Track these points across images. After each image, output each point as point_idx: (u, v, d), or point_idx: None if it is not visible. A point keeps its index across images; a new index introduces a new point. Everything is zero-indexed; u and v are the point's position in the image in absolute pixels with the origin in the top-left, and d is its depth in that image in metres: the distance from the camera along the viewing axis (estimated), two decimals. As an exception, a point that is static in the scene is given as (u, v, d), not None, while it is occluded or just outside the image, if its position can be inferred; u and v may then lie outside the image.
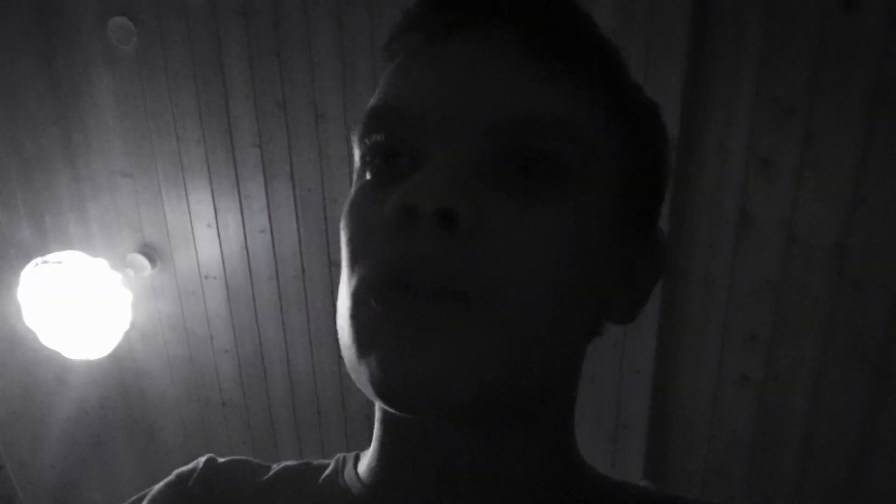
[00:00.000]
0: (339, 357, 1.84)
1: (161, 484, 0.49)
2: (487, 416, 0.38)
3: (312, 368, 1.91)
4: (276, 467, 0.49)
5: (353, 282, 0.36)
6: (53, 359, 1.83)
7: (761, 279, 1.51)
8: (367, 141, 0.38)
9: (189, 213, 1.81)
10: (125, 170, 1.80)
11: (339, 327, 0.39)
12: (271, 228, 1.79)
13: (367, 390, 0.35)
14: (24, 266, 1.63)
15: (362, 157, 0.40)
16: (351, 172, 1.68)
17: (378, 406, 0.42)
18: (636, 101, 0.41)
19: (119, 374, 2.04)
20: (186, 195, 1.79)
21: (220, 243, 1.83)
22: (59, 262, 1.63)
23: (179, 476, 0.49)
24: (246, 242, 1.82)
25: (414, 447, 0.41)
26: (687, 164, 1.48)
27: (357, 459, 0.48)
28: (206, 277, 1.88)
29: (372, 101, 0.39)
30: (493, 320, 0.34)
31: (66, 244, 1.87)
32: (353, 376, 0.37)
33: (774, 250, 1.48)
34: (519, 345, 0.35)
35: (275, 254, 1.81)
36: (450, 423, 0.39)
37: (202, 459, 0.50)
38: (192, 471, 0.49)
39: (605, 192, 0.38)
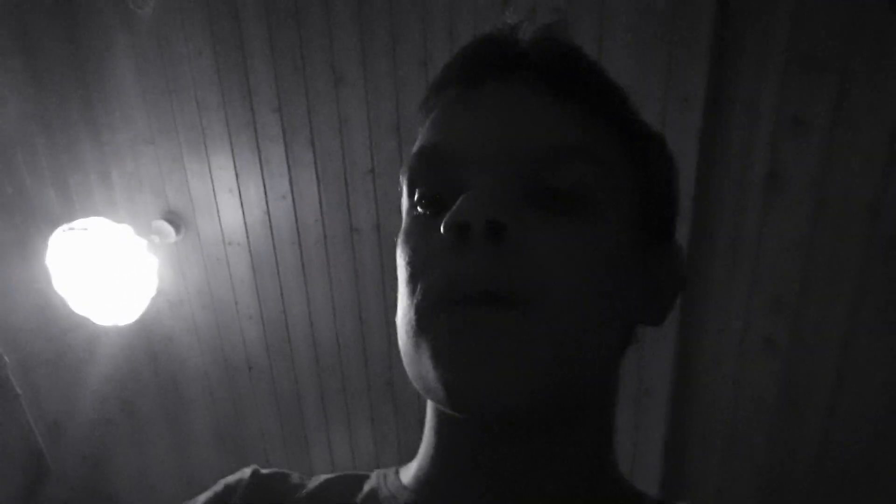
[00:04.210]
0: (362, 322, 1.86)
1: (209, 492, 0.51)
2: (538, 419, 0.41)
3: (335, 333, 1.93)
4: (316, 479, 0.52)
5: (417, 298, 0.40)
6: (84, 325, 1.86)
7: (789, 242, 1.48)
8: (415, 184, 0.44)
9: (211, 178, 1.82)
10: (147, 136, 1.80)
11: (401, 342, 0.42)
12: (293, 194, 1.79)
13: (437, 396, 0.38)
14: (51, 232, 1.65)
15: (410, 196, 0.45)
16: (371, 138, 1.67)
17: (432, 414, 0.46)
18: (644, 134, 0.47)
19: (147, 340, 2.08)
20: (208, 161, 1.80)
21: (242, 209, 1.84)
22: (85, 229, 1.64)
23: (226, 486, 0.51)
24: (268, 208, 1.82)
25: (466, 453, 0.44)
26: (715, 123, 1.45)
27: (397, 472, 0.50)
28: (230, 244, 1.89)
29: (416, 146, 0.44)
30: (542, 322, 0.37)
31: (90, 211, 1.89)
32: (420, 385, 0.40)
33: (804, 213, 1.45)
34: (565, 346, 0.38)
35: (296, 220, 1.82)
36: (502, 430, 0.42)
37: (248, 471, 0.53)
38: (238, 482, 0.51)
39: (624, 210, 0.43)
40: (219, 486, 0.51)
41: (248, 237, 1.87)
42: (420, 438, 0.48)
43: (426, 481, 0.46)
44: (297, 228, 1.83)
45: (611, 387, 0.47)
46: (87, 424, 2.24)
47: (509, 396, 0.36)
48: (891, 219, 1.39)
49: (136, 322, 1.85)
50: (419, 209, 0.43)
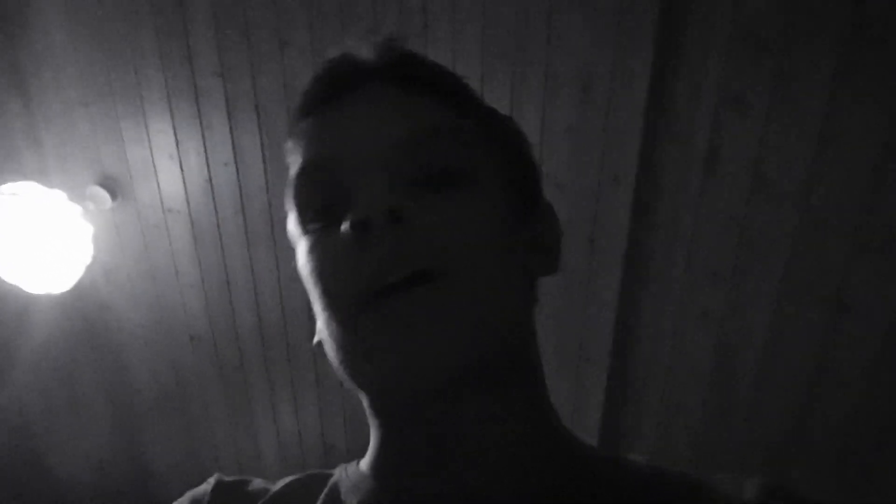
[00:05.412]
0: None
1: None
2: (471, 383, 0.42)
3: (281, 304, 1.91)
4: (281, 482, 0.53)
5: (335, 306, 0.42)
6: (14, 293, 1.79)
7: (727, 217, 1.53)
8: (305, 203, 0.47)
9: (149, 143, 1.75)
10: (81, 98, 1.72)
11: (330, 351, 0.45)
12: (236, 161, 1.74)
13: (375, 390, 0.42)
14: (-24, 198, 1.57)
15: (302, 215, 0.47)
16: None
17: (369, 408, 0.48)
18: (493, 114, 0.52)
19: (83, 309, 2.01)
20: (146, 125, 1.73)
21: (182, 176, 1.78)
22: (14, 194, 1.57)
23: (192, 499, 0.52)
24: (210, 175, 1.77)
25: (408, 430, 0.45)
26: (659, 100, 1.47)
27: (358, 463, 0.51)
28: (170, 211, 1.83)
29: (295, 168, 0.47)
30: (456, 291, 0.40)
31: (20, 175, 1.80)
32: (356, 383, 0.43)
33: (741, 189, 1.50)
34: (482, 308, 0.41)
35: (240, 187, 1.78)
36: (440, 401, 0.43)
37: (212, 480, 0.53)
38: (204, 493, 0.52)
39: (496, 179, 0.47)
40: (185, 498, 0.52)
41: (188, 204, 1.82)
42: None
43: (384, 465, 0.48)
44: (241, 196, 1.79)
45: (530, 341, 0.49)
46: (20, 396, 2.17)
47: (442, 368, 0.38)
48: (823, 197, 1.45)
49: (71, 291, 1.79)
50: (313, 224, 0.46)
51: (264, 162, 1.73)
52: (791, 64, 1.38)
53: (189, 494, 0.52)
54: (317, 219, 0.46)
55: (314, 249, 0.45)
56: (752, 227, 1.53)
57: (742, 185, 1.50)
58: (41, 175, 1.81)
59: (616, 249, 1.61)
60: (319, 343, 0.48)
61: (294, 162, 0.48)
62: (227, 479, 0.54)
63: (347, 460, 0.52)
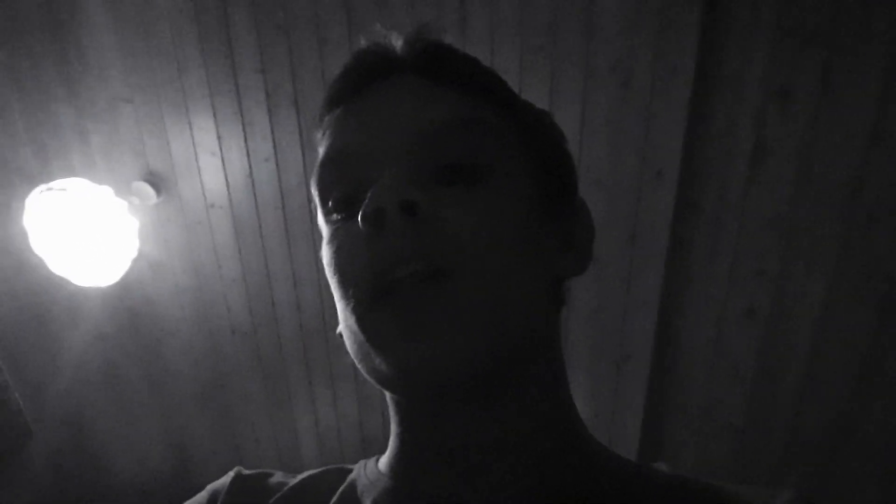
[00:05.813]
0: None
1: (196, 497, 0.52)
2: (487, 383, 0.42)
3: (321, 298, 1.93)
4: (300, 476, 0.53)
5: (352, 300, 0.42)
6: (64, 286, 1.84)
7: (773, 214, 1.49)
8: (326, 192, 0.46)
9: (192, 140, 1.79)
10: (126, 95, 1.76)
11: (349, 343, 0.44)
12: (276, 157, 1.77)
13: (393, 385, 0.42)
14: (28, 192, 1.62)
15: (324, 205, 0.47)
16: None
17: (392, 405, 0.48)
18: (525, 107, 0.51)
19: (129, 302, 2.06)
20: (189, 122, 1.76)
21: (224, 172, 1.81)
22: (64, 189, 1.61)
23: (212, 492, 0.53)
24: (251, 171, 1.80)
25: (423, 430, 0.45)
26: (703, 94, 1.44)
27: (377, 461, 0.52)
28: (212, 206, 1.87)
29: (319, 158, 0.47)
30: (469, 288, 0.39)
31: (68, 171, 1.85)
32: (372, 378, 0.43)
33: (788, 184, 1.46)
34: (495, 306, 0.40)
35: (280, 183, 1.80)
36: (454, 401, 0.43)
37: (231, 473, 0.54)
38: (222, 486, 0.53)
39: (522, 173, 0.46)
40: (205, 492, 0.53)
41: (230, 200, 1.85)
42: None
43: (400, 464, 0.48)
44: (281, 192, 1.81)
45: (551, 343, 0.48)
46: (69, 387, 2.24)
47: (450, 367, 0.38)
48: (872, 193, 1.40)
49: (118, 284, 1.84)
50: (335, 215, 0.46)
51: (304, 158, 1.75)
52: (839, 57, 1.33)
53: (209, 487, 0.53)
54: (338, 209, 0.46)
55: (333, 240, 0.45)
56: (798, 224, 1.48)
57: (788, 180, 1.46)
58: (89, 171, 1.86)
59: (658, 247, 1.58)
60: (341, 334, 0.48)
61: (320, 152, 0.48)
62: (246, 472, 0.54)
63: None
